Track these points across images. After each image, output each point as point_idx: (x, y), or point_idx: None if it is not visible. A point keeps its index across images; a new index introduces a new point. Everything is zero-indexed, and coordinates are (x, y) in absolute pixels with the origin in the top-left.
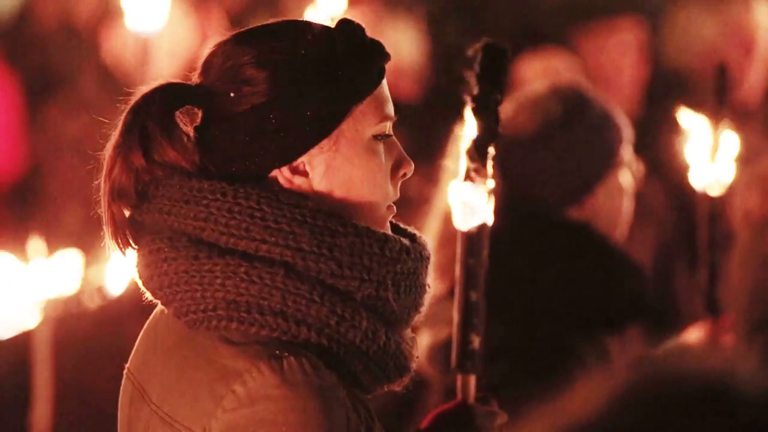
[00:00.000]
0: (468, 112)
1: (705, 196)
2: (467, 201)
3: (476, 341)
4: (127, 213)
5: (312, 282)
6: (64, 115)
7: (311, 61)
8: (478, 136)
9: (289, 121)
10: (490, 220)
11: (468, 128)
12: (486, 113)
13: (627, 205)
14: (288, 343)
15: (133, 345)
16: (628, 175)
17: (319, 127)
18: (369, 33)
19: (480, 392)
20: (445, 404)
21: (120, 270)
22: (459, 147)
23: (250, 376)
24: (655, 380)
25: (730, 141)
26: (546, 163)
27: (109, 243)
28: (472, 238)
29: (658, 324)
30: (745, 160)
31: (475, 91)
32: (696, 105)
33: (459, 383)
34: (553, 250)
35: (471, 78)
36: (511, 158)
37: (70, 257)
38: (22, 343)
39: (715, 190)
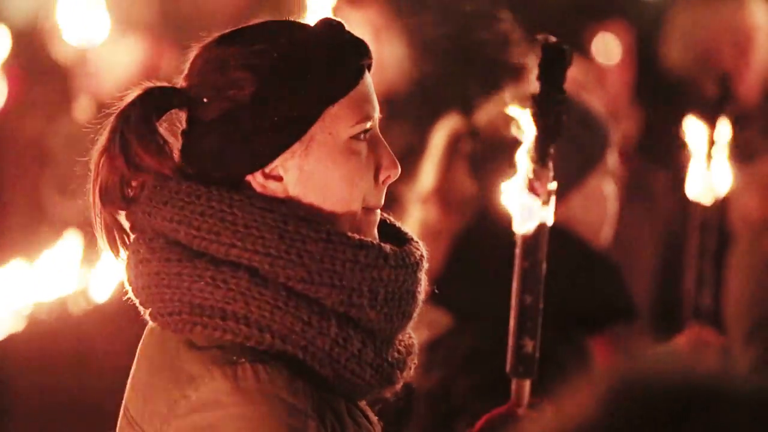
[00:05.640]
0: (527, 113)
1: (698, 205)
2: (525, 203)
3: (530, 345)
4: (120, 215)
5: (277, 288)
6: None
7: (281, 65)
8: (538, 137)
9: (257, 127)
10: (549, 221)
11: (527, 129)
12: (546, 114)
13: (610, 211)
14: (251, 349)
15: (118, 348)
16: (610, 182)
17: (287, 132)
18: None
19: (534, 397)
20: (498, 408)
21: (106, 275)
22: (520, 149)
23: (203, 382)
24: (641, 382)
25: (727, 150)
26: None
27: (102, 246)
28: (529, 241)
29: (651, 328)
30: (744, 162)
31: (535, 91)
32: (693, 109)
33: (513, 388)
34: None
35: (531, 77)
36: (489, 161)
37: (54, 262)
38: (6, 347)
39: (708, 198)
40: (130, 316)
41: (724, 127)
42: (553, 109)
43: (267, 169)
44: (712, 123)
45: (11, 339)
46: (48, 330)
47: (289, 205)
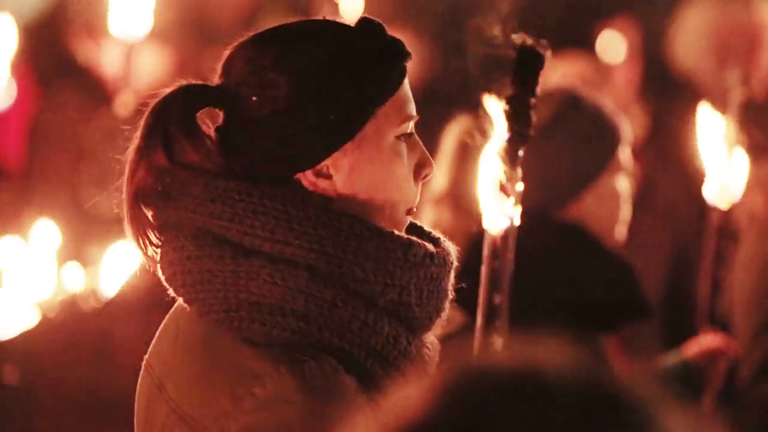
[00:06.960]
0: (500, 114)
1: (715, 209)
2: (495, 203)
3: (498, 343)
4: (149, 213)
5: (335, 286)
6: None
7: (333, 64)
8: (509, 139)
9: (312, 126)
10: (516, 222)
11: (499, 130)
12: (518, 116)
13: (624, 209)
14: (309, 346)
15: (125, 344)
16: (624, 180)
17: (341, 131)
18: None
19: None
20: None
21: (114, 272)
22: (488, 149)
23: (270, 379)
24: (474, 375)
25: (742, 154)
26: (531, 169)
27: (132, 243)
28: (497, 240)
29: (663, 331)
30: (751, 160)
31: (509, 92)
32: (702, 106)
33: None
34: (541, 252)
35: (504, 80)
36: None
37: (66, 258)
38: (20, 343)
39: (725, 203)
40: (146, 311)
41: (735, 126)
42: (525, 111)
43: (318, 167)
44: (721, 121)
45: (26, 336)
46: (63, 326)
47: (339, 203)
